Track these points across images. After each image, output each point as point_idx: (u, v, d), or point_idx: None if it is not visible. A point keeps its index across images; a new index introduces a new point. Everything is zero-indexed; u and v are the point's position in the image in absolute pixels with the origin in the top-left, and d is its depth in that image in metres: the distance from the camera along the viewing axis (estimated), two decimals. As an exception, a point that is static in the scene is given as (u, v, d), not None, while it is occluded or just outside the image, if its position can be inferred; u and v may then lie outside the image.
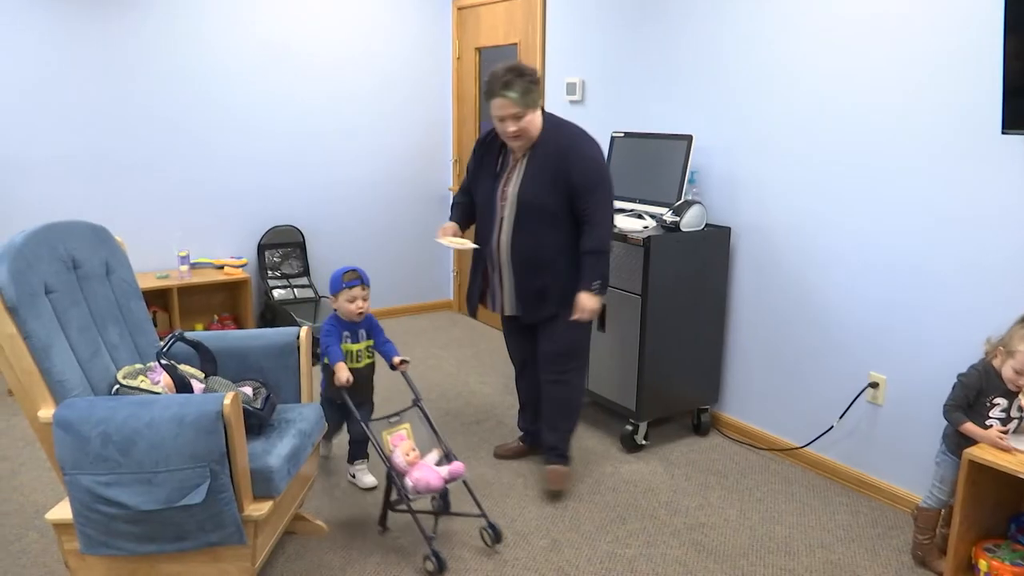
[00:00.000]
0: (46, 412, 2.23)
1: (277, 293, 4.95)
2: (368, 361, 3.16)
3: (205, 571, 2.35)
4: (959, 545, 2.57)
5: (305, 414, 2.71)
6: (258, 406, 2.56)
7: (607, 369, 3.71)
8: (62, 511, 2.32)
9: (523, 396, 3.52)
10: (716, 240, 3.66)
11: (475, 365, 4.79)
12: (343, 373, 2.86)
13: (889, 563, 2.78)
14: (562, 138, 2.99)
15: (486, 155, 3.17)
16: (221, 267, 4.88)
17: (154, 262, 4.77)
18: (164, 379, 2.48)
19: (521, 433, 3.58)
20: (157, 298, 4.65)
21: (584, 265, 3.01)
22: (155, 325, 2.99)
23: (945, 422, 2.68)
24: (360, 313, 3.04)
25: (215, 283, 4.83)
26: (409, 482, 2.67)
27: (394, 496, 2.86)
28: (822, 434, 3.41)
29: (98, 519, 2.22)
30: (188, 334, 2.71)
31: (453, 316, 5.92)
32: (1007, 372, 2.52)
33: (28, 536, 2.82)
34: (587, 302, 3.00)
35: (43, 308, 2.30)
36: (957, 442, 2.61)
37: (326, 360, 2.96)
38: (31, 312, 2.24)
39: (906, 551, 2.83)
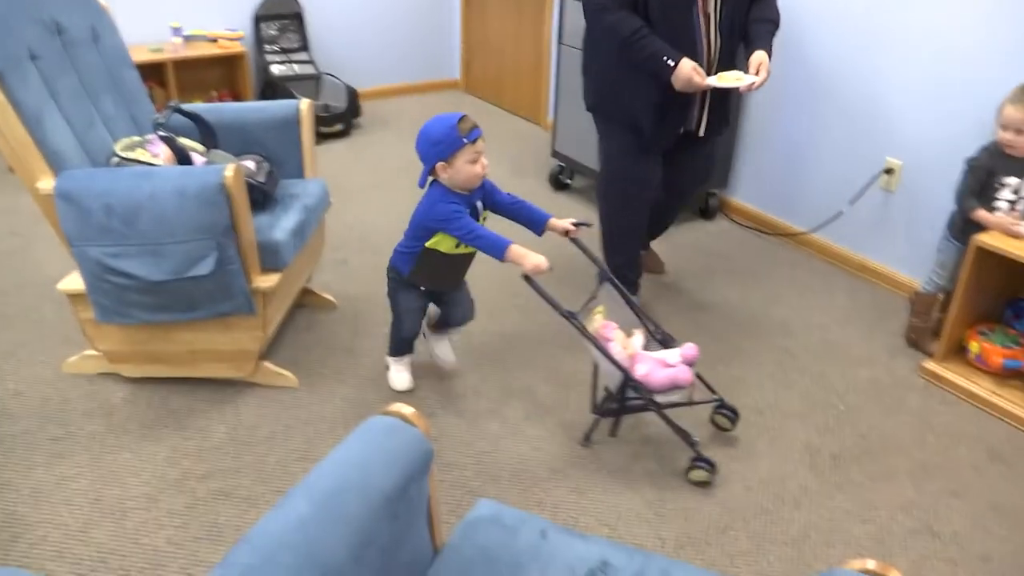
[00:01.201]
0: (45, 183, 2.19)
1: (276, 69, 4.76)
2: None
3: (218, 339, 2.43)
4: (954, 328, 2.62)
5: (310, 189, 2.68)
6: (261, 180, 2.52)
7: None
8: (74, 282, 2.35)
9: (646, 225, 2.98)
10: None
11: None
12: (536, 258, 2.05)
13: (883, 344, 2.86)
14: None
15: None
16: (215, 40, 4.66)
17: (145, 34, 4.54)
18: (164, 152, 2.42)
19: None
20: (152, 73, 4.46)
21: (766, 33, 2.54)
22: (152, 101, 2.86)
23: (950, 209, 2.65)
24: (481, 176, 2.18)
25: (211, 57, 4.63)
26: (652, 382, 2.13)
27: (627, 399, 2.23)
28: (831, 219, 3.38)
29: (110, 289, 2.25)
30: (185, 106, 2.62)
31: (461, 96, 5.73)
32: (1003, 138, 2.45)
33: (45, 307, 2.90)
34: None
35: (30, 75, 2.19)
36: (961, 228, 2.59)
37: (459, 248, 2.22)
38: (17, 78, 2.14)
39: (900, 334, 2.90)
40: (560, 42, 3.79)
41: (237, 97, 4.88)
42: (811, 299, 3.14)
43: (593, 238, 2.84)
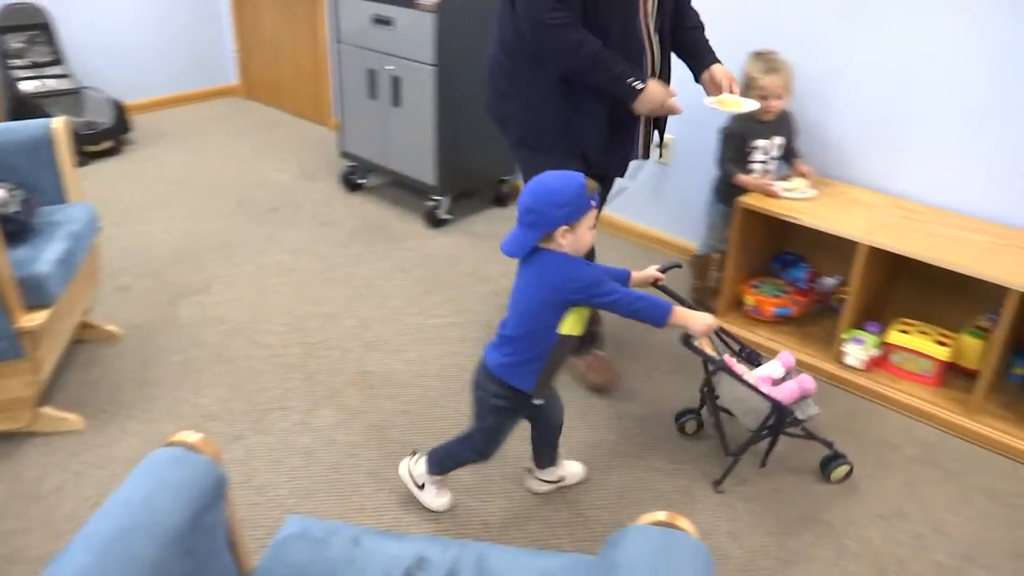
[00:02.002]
0: None
1: (26, 86, 4.34)
2: None
3: (-15, 389, 2.19)
4: (731, 285, 2.84)
5: (74, 214, 2.47)
6: (15, 210, 2.29)
7: (404, 145, 3.62)
8: None
9: None
10: (508, 4, 3.52)
11: (269, 152, 4.54)
12: (705, 318, 1.85)
13: (672, 306, 3.04)
14: None
15: None
16: (-51, 58, 4.18)
17: None
18: None
19: None
20: None
21: (708, 42, 2.37)
22: None
23: (714, 175, 2.87)
24: None
25: (-54, 77, 4.15)
26: (786, 399, 2.09)
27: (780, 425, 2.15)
28: (617, 194, 3.53)
29: None
30: (-89, 134, 2.33)
31: (241, 103, 5.49)
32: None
33: None
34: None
35: None
36: (725, 192, 2.81)
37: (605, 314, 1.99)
38: None
39: (688, 295, 3.11)
40: (338, 41, 3.72)
41: (-17, 120, 4.40)
42: (605, 272, 3.29)
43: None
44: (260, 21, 5.22)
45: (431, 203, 3.61)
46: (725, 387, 2.17)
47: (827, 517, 2.11)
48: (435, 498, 2.09)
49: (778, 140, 2.73)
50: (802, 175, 2.72)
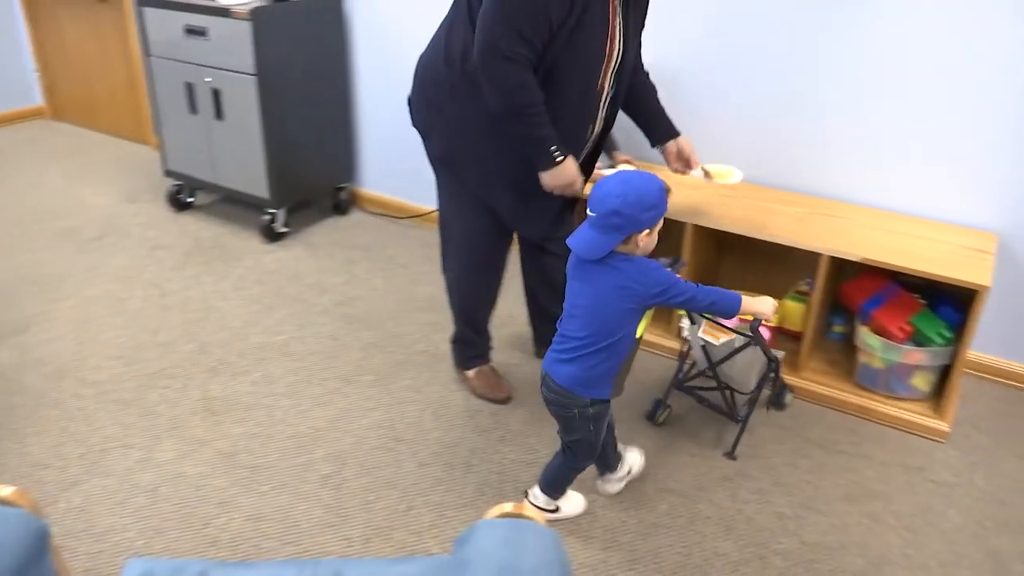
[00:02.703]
0: None
1: None
2: None
3: None
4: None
5: None
6: None
7: (233, 159, 3.48)
8: None
9: None
10: (328, 9, 3.46)
11: (87, 176, 4.25)
12: (769, 301, 1.94)
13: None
14: None
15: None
16: None
17: None
18: None
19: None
20: None
21: (662, 110, 2.36)
22: None
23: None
24: None
25: None
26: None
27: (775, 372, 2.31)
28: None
29: None
30: None
31: (50, 124, 5.11)
32: None
33: None
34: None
35: None
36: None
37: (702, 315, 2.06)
38: None
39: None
40: (148, 54, 3.53)
41: None
42: (451, 272, 3.30)
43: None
44: (62, 36, 4.87)
45: (266, 217, 3.50)
46: (735, 360, 2.27)
47: (678, 487, 2.21)
48: (574, 506, 2.10)
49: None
50: (626, 162, 2.83)
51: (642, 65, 2.30)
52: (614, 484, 2.16)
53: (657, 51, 2.71)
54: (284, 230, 3.56)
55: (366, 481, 2.19)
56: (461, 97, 2.07)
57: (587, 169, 2.28)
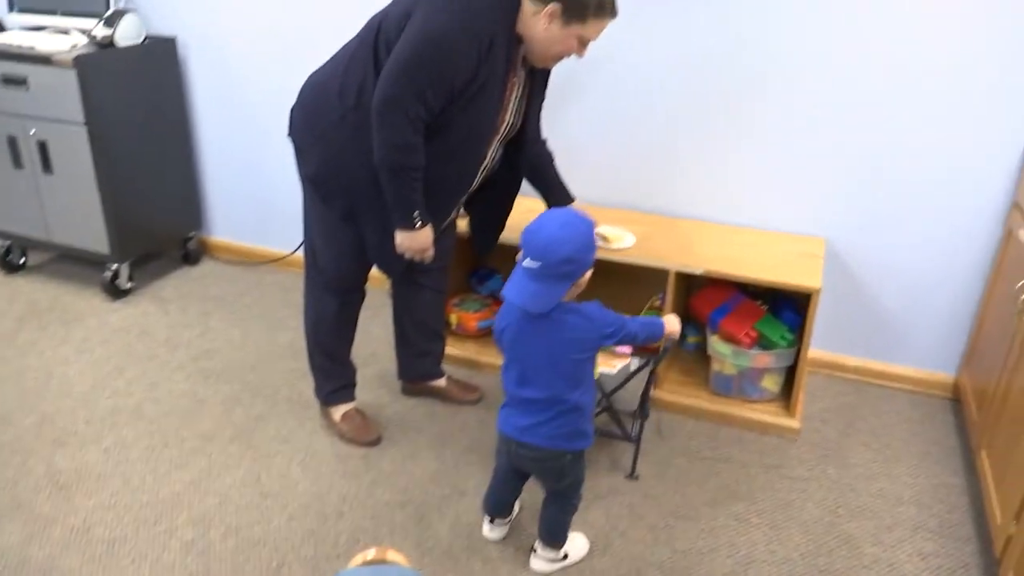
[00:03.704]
0: None
1: None
2: None
3: None
4: (435, 306, 2.91)
5: None
6: None
7: (67, 214, 3.28)
8: None
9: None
10: (161, 54, 3.34)
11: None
12: (676, 319, 1.98)
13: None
14: None
15: (495, 67, 1.97)
16: None
17: None
18: None
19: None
20: None
21: (559, 176, 2.48)
22: None
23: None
24: None
25: None
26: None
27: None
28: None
29: None
30: None
31: None
32: None
33: None
34: None
35: None
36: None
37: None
38: None
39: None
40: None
41: None
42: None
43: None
44: None
45: (108, 273, 3.31)
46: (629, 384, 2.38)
47: (553, 509, 2.23)
48: (580, 547, 2.06)
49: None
50: None
51: (540, 134, 2.39)
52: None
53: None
54: (129, 285, 3.38)
55: (233, 543, 2.09)
56: (348, 130, 2.04)
57: (445, 232, 2.35)
